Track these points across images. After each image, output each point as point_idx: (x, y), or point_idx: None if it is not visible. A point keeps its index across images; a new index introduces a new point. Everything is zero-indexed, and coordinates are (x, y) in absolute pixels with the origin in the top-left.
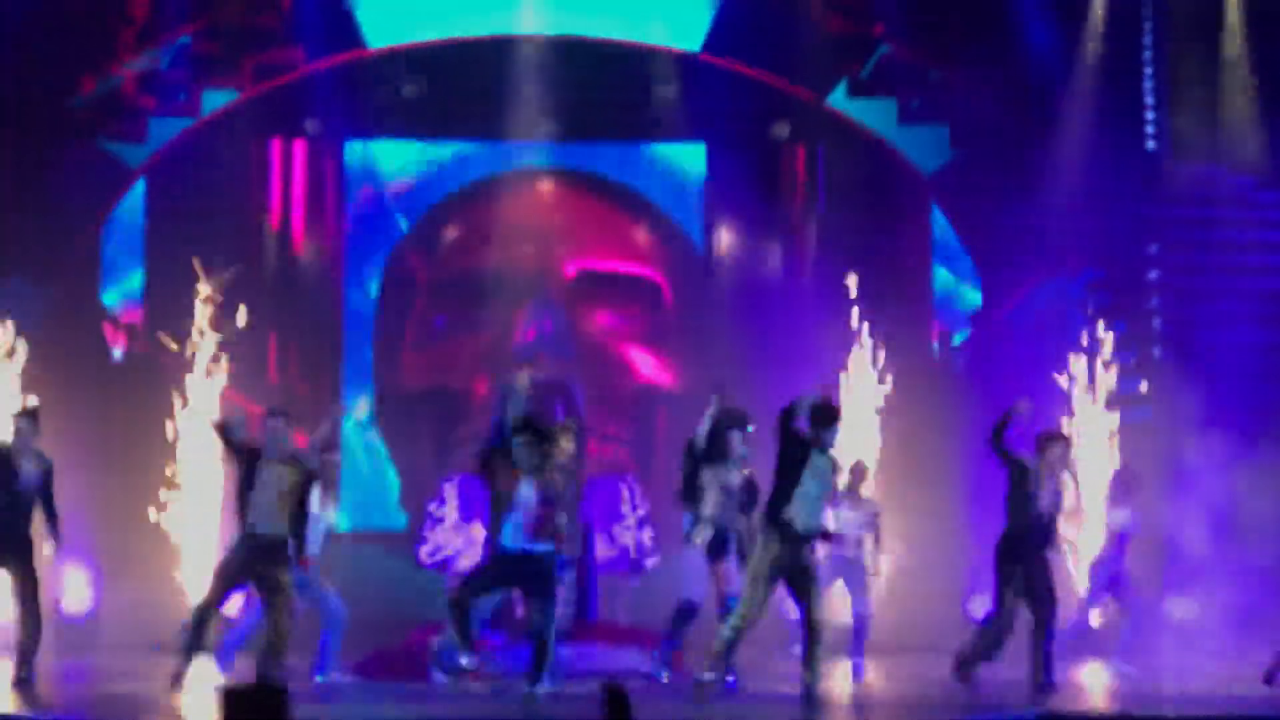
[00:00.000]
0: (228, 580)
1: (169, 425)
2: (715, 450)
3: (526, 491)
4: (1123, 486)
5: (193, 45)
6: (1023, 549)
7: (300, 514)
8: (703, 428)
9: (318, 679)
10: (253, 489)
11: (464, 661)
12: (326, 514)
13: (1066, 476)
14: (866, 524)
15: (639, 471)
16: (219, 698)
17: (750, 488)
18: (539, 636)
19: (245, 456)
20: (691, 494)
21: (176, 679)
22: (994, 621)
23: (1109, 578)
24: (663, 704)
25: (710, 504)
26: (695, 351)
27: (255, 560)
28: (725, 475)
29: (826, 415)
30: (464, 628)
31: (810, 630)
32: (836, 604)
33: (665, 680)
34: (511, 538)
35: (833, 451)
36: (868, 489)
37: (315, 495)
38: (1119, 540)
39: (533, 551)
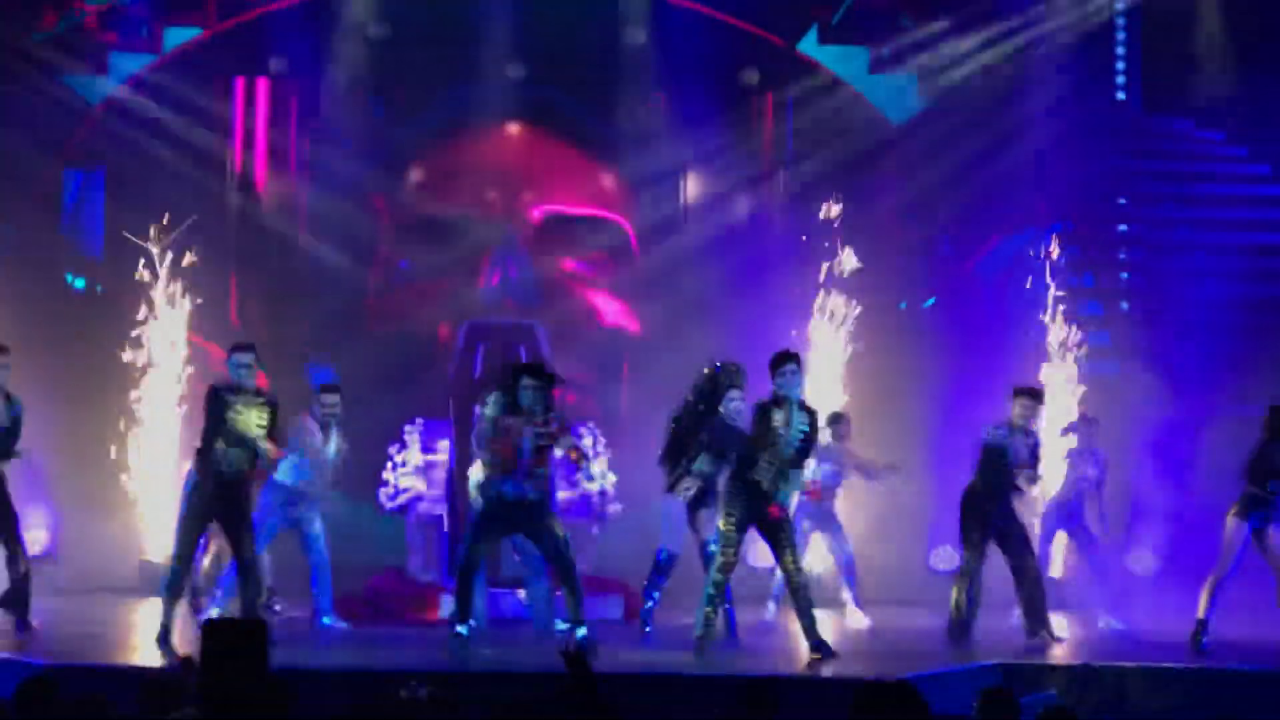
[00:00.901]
0: (195, 525)
1: (128, 363)
2: (709, 408)
3: (528, 436)
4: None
5: None
6: (986, 503)
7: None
8: (689, 399)
9: (324, 621)
10: (220, 434)
11: (461, 630)
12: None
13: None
14: (836, 475)
15: (602, 418)
16: (202, 631)
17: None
18: (565, 580)
19: (210, 407)
20: (675, 458)
21: (164, 630)
22: (960, 576)
23: (1063, 528)
24: (638, 652)
25: (703, 460)
26: (661, 298)
27: (219, 500)
28: None
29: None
30: (466, 596)
31: (788, 581)
32: (819, 554)
33: (647, 631)
34: (510, 484)
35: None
36: (832, 435)
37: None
38: (1078, 491)
39: (528, 495)
